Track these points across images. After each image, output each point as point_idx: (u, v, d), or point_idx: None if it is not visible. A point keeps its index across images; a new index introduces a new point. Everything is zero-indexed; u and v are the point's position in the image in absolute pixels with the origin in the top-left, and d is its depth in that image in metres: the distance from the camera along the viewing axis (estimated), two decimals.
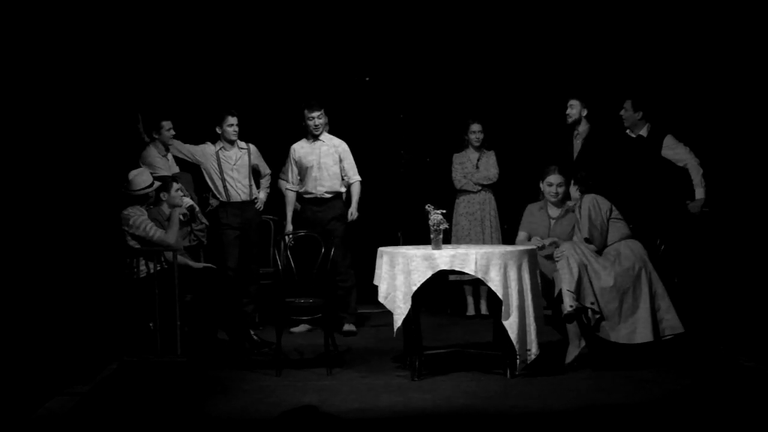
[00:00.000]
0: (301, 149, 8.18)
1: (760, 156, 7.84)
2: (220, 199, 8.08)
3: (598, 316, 6.47)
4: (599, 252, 6.70)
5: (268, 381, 6.33)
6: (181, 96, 8.75)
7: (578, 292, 6.44)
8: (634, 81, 8.65)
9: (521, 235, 7.26)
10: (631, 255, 6.61)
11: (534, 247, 6.74)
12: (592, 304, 6.45)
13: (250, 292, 8.11)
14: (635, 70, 8.84)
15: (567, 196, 7.11)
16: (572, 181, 7.02)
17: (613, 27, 9.00)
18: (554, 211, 7.18)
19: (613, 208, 6.82)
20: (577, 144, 8.01)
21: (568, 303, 6.39)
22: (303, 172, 8.16)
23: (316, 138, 8.14)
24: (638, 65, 8.86)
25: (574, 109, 7.97)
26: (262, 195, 8.26)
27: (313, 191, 8.13)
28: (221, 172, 8.04)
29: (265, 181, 8.33)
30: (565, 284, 6.44)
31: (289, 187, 8.24)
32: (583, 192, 6.91)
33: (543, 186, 7.16)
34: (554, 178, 7.10)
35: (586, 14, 9.08)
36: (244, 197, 8.10)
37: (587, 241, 6.70)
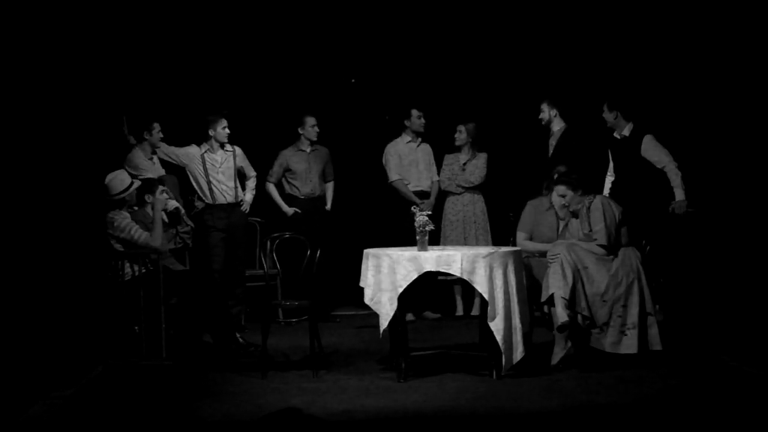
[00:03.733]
0: (405, 146, 8.91)
1: (744, 156, 7.86)
2: (206, 201, 8.07)
3: (588, 322, 6.46)
4: (615, 254, 6.59)
5: (253, 383, 6.31)
6: (166, 99, 8.72)
7: (572, 299, 6.41)
8: (615, 81, 8.66)
9: (521, 236, 7.11)
10: (628, 263, 6.54)
11: (520, 248, 6.72)
12: (585, 317, 6.43)
13: (236, 295, 8.09)
14: (617, 69, 8.86)
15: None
16: (565, 186, 6.74)
17: (596, 24, 9.01)
18: (562, 212, 6.99)
19: (622, 213, 6.71)
20: (552, 144, 8.14)
21: (562, 313, 6.36)
22: (405, 167, 8.83)
23: (419, 136, 8.92)
24: (620, 65, 8.87)
25: (544, 112, 8.25)
26: (248, 197, 8.25)
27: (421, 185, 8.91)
28: (207, 174, 8.02)
29: (251, 183, 8.32)
30: (560, 291, 6.38)
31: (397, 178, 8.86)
32: (583, 192, 6.73)
33: (554, 197, 6.92)
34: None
35: (573, 12, 9.09)
36: (230, 199, 8.09)
37: (604, 248, 6.56)
